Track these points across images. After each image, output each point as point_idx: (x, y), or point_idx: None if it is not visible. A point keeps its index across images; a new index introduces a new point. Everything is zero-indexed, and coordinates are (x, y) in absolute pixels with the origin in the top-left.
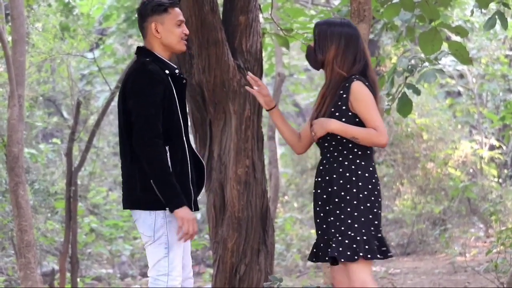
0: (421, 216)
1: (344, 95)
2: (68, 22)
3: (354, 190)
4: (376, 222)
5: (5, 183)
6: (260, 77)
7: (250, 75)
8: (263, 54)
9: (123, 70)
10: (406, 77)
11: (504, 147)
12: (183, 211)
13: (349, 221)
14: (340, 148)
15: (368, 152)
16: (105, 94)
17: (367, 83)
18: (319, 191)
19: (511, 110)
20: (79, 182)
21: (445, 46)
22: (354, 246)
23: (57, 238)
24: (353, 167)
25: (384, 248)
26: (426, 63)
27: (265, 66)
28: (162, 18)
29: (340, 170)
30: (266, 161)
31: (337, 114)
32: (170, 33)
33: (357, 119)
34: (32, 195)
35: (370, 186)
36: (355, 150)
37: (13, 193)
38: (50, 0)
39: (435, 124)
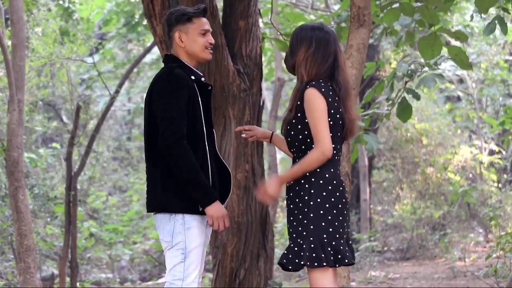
0: (421, 221)
1: (299, 102)
2: (68, 27)
3: (306, 198)
4: (331, 230)
5: (5, 187)
6: (260, 81)
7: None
8: (263, 59)
9: (122, 75)
10: (406, 82)
11: (503, 152)
12: (213, 209)
13: (300, 228)
14: (300, 154)
15: None
16: (105, 99)
17: (323, 90)
18: (286, 197)
19: (511, 115)
20: (78, 186)
21: (444, 51)
22: (302, 254)
23: (56, 243)
24: (307, 174)
25: (339, 256)
26: (426, 68)
27: (265, 71)
28: (186, 28)
29: None
30: (265, 166)
31: (293, 121)
32: (194, 42)
33: None
34: (31, 199)
35: (324, 193)
36: None
37: (13, 198)
38: (50, 5)
39: (435, 129)
